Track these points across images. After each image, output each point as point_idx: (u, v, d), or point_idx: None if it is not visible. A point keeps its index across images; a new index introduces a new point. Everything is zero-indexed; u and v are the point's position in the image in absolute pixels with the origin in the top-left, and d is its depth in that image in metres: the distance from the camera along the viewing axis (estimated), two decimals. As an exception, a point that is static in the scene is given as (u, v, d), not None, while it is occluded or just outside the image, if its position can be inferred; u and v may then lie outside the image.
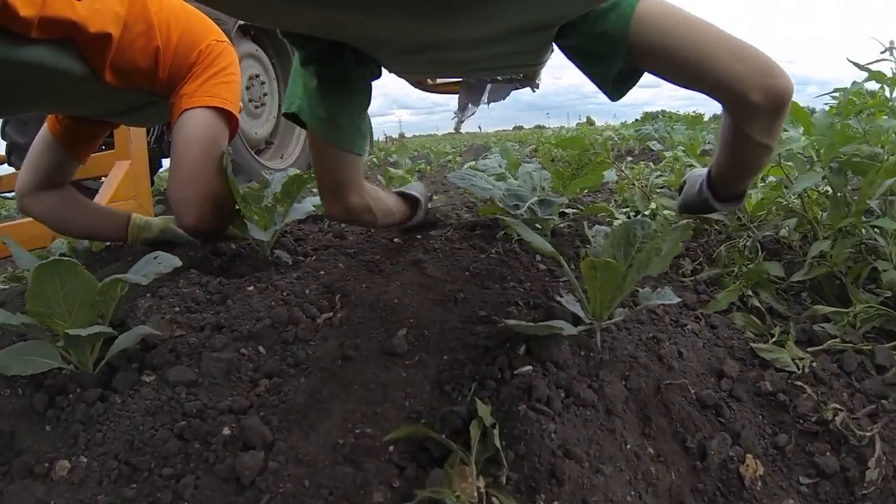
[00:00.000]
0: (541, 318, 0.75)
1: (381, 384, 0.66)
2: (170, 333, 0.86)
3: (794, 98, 1.04)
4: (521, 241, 1.11)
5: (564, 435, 0.57)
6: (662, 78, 0.77)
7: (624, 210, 1.44)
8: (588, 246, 1.09)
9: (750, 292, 0.97)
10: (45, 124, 1.18)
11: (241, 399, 0.70)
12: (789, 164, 1.20)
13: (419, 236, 1.17)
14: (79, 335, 0.70)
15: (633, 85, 0.80)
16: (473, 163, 2.10)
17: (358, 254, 1.09)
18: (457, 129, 1.59)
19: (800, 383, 0.77)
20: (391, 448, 0.58)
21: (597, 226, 0.75)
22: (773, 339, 0.88)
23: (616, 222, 1.33)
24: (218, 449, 0.62)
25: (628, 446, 0.60)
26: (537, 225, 1.13)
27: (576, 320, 0.73)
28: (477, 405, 0.58)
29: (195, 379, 0.73)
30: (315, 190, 1.65)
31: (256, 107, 3.04)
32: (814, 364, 0.82)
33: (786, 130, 1.23)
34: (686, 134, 1.88)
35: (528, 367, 0.62)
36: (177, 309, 0.93)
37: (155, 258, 0.79)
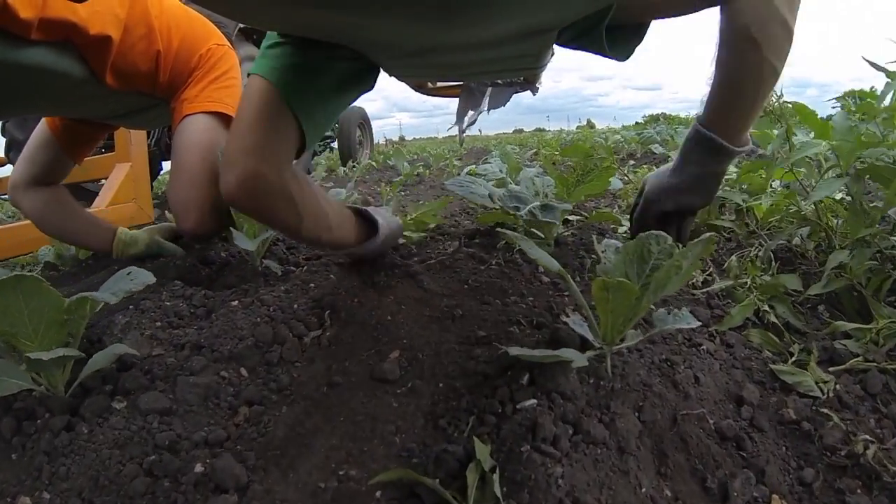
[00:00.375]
0: (545, 341, 0.67)
1: (370, 416, 0.59)
2: (148, 351, 0.78)
3: (799, 100, 0.96)
4: (523, 251, 1.04)
5: (573, 480, 0.49)
6: (666, 14, 0.66)
7: (629, 216, 1.36)
8: (594, 257, 1.01)
9: (766, 307, 0.89)
10: (44, 120, 1.15)
11: (218, 429, 0.62)
12: (801, 170, 1.12)
13: (414, 246, 1.10)
14: (40, 359, 0.62)
15: (639, 42, 0.68)
16: (473, 167, 2.02)
17: (351, 264, 1.02)
18: (461, 141, 1.54)
19: (825, 410, 0.69)
20: (378, 494, 0.50)
21: (606, 239, 0.68)
22: (793, 359, 0.80)
23: (621, 229, 1.25)
24: (188, 490, 0.54)
25: (643, 490, 0.52)
26: (539, 234, 1.06)
27: (584, 344, 0.66)
28: (475, 444, 0.50)
29: (169, 406, 0.66)
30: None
31: (256, 109, 2.96)
32: (837, 387, 0.75)
33: (795, 135, 1.15)
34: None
35: (533, 401, 0.55)
36: (158, 324, 0.85)
37: (128, 274, 0.71)
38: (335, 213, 0.85)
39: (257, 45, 3.08)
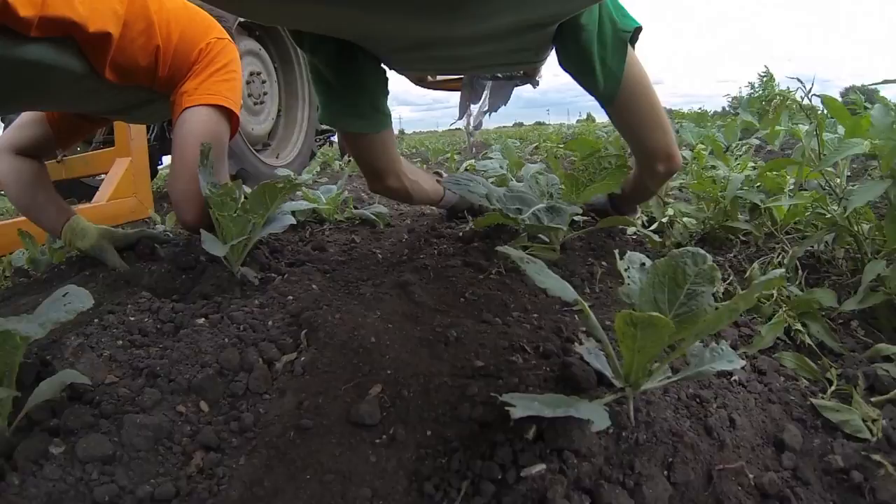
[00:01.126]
0: (554, 377, 0.54)
1: (341, 475, 0.46)
2: (102, 378, 0.66)
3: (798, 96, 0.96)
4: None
5: (593, 573, 0.36)
6: (607, 114, 0.86)
7: (637, 216, 1.23)
8: (604, 264, 0.88)
9: (798, 325, 0.76)
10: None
11: (167, 482, 0.50)
12: (830, 169, 0.98)
13: (406, 251, 0.97)
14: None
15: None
16: (472, 161, 1.88)
17: (336, 271, 0.89)
18: (470, 143, 1.45)
19: (877, 457, 0.56)
20: (346, 588, 0.38)
21: (630, 253, 0.54)
22: (833, 388, 0.67)
23: (630, 230, 1.11)
24: (118, 569, 0.42)
25: (678, 577, 0.40)
26: (544, 239, 0.92)
27: (600, 378, 0.53)
28: (468, 523, 0.38)
29: (112, 452, 0.53)
30: (299, 192, 1.44)
31: (255, 103, 2.82)
32: (883, 421, 0.62)
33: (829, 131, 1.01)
34: (697, 132, 1.65)
35: (541, 467, 0.42)
36: (119, 343, 0.73)
37: (64, 295, 0.58)
38: (429, 184, 1.09)
39: (258, 39, 2.93)
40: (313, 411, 0.54)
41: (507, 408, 0.38)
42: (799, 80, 0.90)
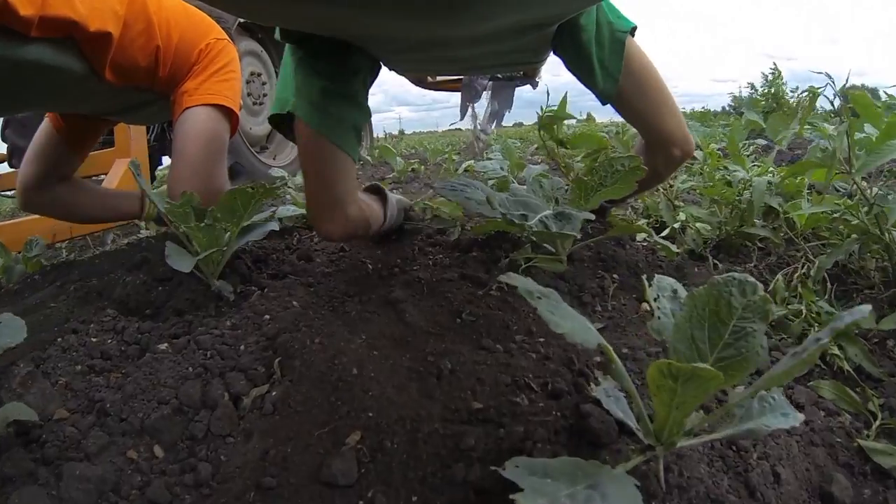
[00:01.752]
0: (566, 427, 0.44)
1: (307, 557, 0.36)
2: (53, 411, 0.56)
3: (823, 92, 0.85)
4: (531, 269, 0.80)
5: None
6: (615, 108, 0.83)
7: (646, 220, 1.12)
8: (616, 277, 0.78)
9: (834, 348, 0.66)
10: (46, 119, 1.09)
11: (103, 552, 0.41)
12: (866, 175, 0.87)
13: (399, 261, 0.86)
14: None
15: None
16: (471, 162, 1.77)
17: (321, 284, 0.79)
18: (479, 149, 1.37)
19: (943, 511, 0.47)
20: None
21: (659, 277, 0.44)
22: (878, 423, 0.57)
23: (640, 236, 1.01)
24: None
25: None
26: (550, 248, 0.82)
27: (622, 428, 0.43)
28: None
29: (46, 510, 0.44)
30: (289, 196, 1.34)
31: (255, 104, 2.72)
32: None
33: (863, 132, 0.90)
34: (703, 132, 1.54)
35: (554, 560, 0.32)
36: (77, 368, 0.63)
37: (-2, 324, 0.49)
38: (374, 202, 0.91)
39: (258, 40, 2.82)
40: (280, 465, 0.44)
41: (512, 496, 0.28)
42: (828, 75, 0.79)
